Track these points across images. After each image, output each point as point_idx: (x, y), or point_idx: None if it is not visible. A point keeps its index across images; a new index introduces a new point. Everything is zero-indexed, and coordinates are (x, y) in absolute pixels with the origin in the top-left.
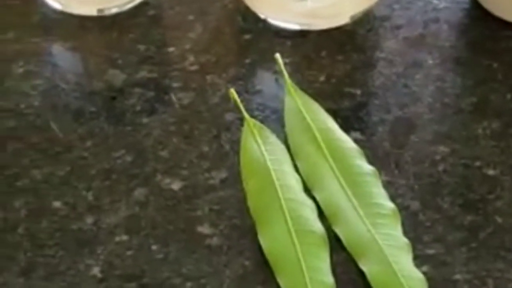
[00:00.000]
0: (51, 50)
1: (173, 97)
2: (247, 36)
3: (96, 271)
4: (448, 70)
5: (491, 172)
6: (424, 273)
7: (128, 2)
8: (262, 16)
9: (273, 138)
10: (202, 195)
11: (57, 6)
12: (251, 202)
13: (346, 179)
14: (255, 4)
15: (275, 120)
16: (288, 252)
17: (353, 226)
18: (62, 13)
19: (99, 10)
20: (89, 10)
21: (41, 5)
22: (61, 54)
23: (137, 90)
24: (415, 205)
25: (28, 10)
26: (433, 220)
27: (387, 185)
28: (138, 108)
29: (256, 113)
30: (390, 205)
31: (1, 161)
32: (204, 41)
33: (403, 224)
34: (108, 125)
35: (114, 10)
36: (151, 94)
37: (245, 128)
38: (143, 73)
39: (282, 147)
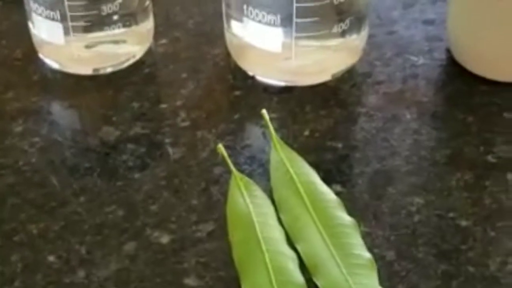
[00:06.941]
0: (49, 108)
1: (164, 152)
2: (236, 93)
3: None
4: (424, 124)
5: (464, 223)
6: None
7: (123, 62)
8: (251, 74)
9: (258, 192)
10: (189, 248)
11: (55, 65)
12: (235, 254)
13: (326, 230)
14: (244, 62)
15: (261, 174)
16: None
17: (332, 277)
18: (60, 72)
19: (95, 70)
20: (85, 69)
21: (41, 65)
22: (58, 112)
23: (130, 146)
24: (390, 255)
25: (28, 69)
26: (407, 269)
27: (365, 236)
28: (130, 163)
29: (244, 166)
30: (367, 255)
31: (0, 217)
32: (195, 98)
33: (379, 274)
34: (101, 181)
35: (109, 70)
36: (143, 150)
37: (231, 182)
38: (136, 129)
39: (267, 200)
